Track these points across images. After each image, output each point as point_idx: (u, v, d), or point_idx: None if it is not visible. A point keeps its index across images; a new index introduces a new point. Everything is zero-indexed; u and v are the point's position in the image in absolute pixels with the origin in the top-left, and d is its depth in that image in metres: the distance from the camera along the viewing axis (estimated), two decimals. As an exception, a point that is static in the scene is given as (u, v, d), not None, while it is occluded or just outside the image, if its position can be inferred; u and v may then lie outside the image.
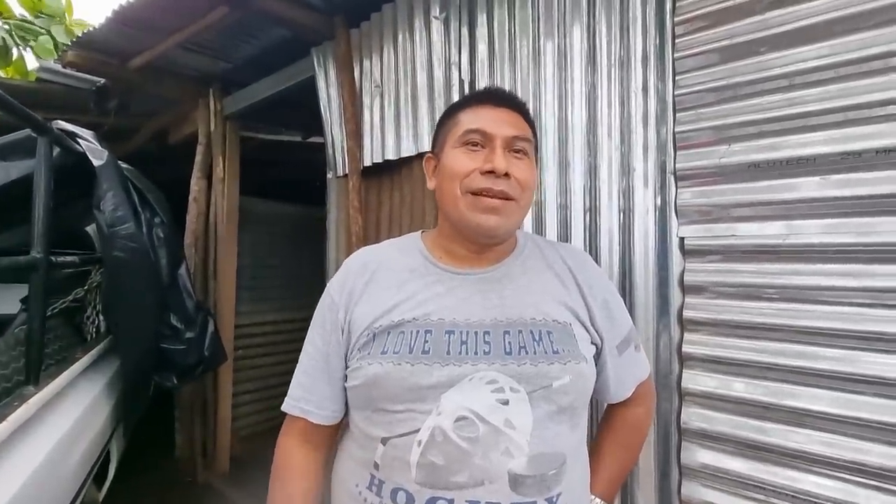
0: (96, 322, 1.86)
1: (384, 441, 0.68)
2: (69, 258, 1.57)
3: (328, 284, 0.82)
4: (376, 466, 0.68)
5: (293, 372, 0.82)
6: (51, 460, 1.17)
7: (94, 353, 1.68)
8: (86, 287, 1.81)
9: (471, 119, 0.75)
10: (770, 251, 1.02)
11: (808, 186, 0.98)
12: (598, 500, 0.84)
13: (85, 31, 2.16)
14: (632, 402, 0.86)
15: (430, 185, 0.81)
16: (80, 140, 1.66)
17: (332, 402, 0.78)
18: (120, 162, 1.83)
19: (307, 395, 0.78)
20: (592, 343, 0.77)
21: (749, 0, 1.03)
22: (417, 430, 0.66)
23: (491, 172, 0.71)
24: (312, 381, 0.78)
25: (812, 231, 0.97)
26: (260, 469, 2.89)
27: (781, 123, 1.00)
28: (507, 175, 0.71)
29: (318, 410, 0.77)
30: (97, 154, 1.66)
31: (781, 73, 1.00)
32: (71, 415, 1.38)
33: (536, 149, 0.82)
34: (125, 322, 1.73)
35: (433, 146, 0.84)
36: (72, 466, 1.32)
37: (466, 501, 0.63)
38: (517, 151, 0.74)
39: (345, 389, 0.77)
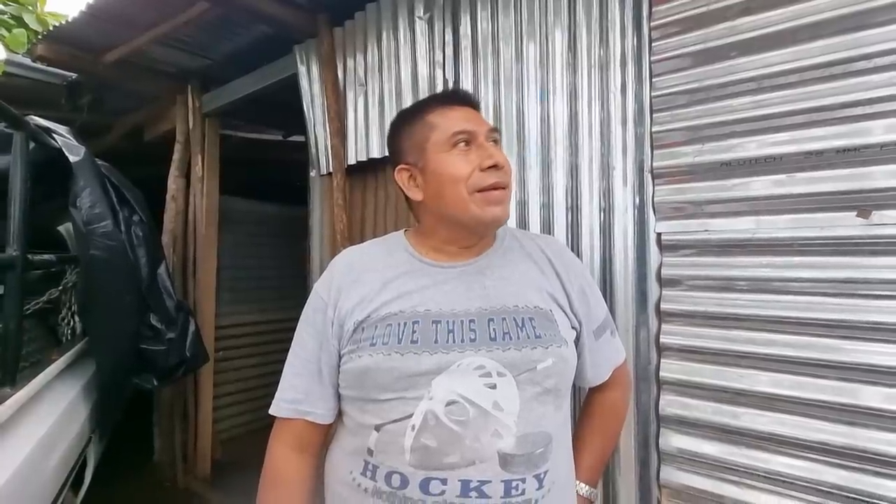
0: (72, 323, 1.81)
1: (378, 428, 0.70)
2: (46, 257, 1.53)
3: (315, 285, 0.83)
4: (370, 452, 0.70)
5: (276, 373, 0.82)
6: (28, 465, 1.14)
7: (69, 355, 1.64)
8: (60, 287, 1.76)
9: (449, 122, 0.76)
10: (741, 245, 1.07)
11: (775, 184, 1.03)
12: (582, 485, 0.87)
13: (59, 22, 2.09)
14: (608, 387, 0.90)
15: (416, 196, 0.79)
16: (55, 136, 1.61)
17: (328, 401, 0.78)
18: (97, 159, 1.79)
19: (302, 397, 0.78)
20: (572, 327, 0.81)
21: (721, 7, 1.09)
22: (410, 416, 0.68)
23: (493, 167, 0.74)
24: (306, 382, 0.78)
25: (779, 226, 1.03)
26: (242, 472, 2.85)
27: (750, 124, 1.06)
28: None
29: (316, 410, 0.77)
30: (73, 150, 1.62)
31: (750, 77, 1.05)
32: (47, 418, 1.35)
33: None
34: (102, 323, 1.69)
35: (402, 156, 0.81)
36: (49, 472, 1.29)
37: (459, 480, 0.66)
38: (494, 141, 0.79)
39: (338, 386, 0.78)
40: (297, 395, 0.78)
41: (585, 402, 0.95)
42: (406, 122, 0.82)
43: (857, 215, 0.96)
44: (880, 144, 0.93)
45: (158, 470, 2.78)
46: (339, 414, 0.80)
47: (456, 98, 0.81)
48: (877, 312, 0.94)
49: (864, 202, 0.95)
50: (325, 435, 0.82)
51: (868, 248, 0.95)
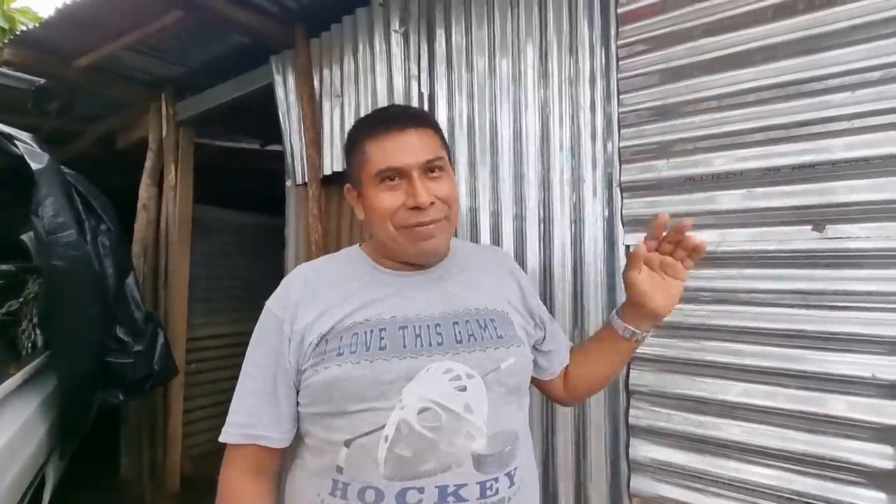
0: (32, 336, 1.74)
1: (347, 443, 0.68)
2: (4, 267, 1.47)
3: (267, 304, 0.80)
4: (339, 470, 0.68)
5: None
6: (-22, 485, 1.09)
7: (28, 369, 1.57)
8: (21, 298, 1.69)
9: (379, 155, 0.74)
10: (706, 257, 1.10)
11: (737, 198, 1.07)
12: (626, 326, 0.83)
13: (29, 23, 2.03)
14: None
15: (360, 215, 0.81)
16: (16, 142, 1.56)
17: (283, 423, 0.75)
18: (62, 167, 1.74)
19: (255, 420, 0.74)
20: (528, 325, 0.85)
21: (683, 28, 1.13)
22: (382, 427, 0.67)
23: (417, 208, 0.72)
24: (259, 404, 0.74)
25: (740, 239, 1.07)
26: (213, 489, 2.75)
27: (712, 141, 1.09)
28: (432, 202, 0.73)
29: (270, 434, 0.73)
30: (36, 157, 1.57)
31: (711, 95, 1.09)
32: (1, 436, 1.29)
33: (448, 152, 0.82)
34: (65, 335, 1.63)
35: (349, 174, 0.82)
36: (1, 492, 1.23)
37: (436, 487, 0.66)
38: (433, 171, 0.75)
39: (295, 406, 0.75)
40: (249, 418, 0.74)
41: (567, 380, 0.95)
42: (350, 141, 0.81)
43: (813, 229, 0.99)
44: (832, 161, 0.97)
45: (124, 487, 2.67)
46: (300, 436, 0.77)
47: (392, 124, 0.75)
48: (833, 323, 0.97)
49: (819, 217, 0.99)
50: (280, 460, 0.78)
51: (823, 260, 0.98)
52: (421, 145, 0.74)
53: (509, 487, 0.70)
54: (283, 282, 0.82)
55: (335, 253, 0.90)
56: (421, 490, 0.65)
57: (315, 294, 0.77)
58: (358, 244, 0.88)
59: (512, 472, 0.71)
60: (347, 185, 0.83)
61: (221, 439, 0.75)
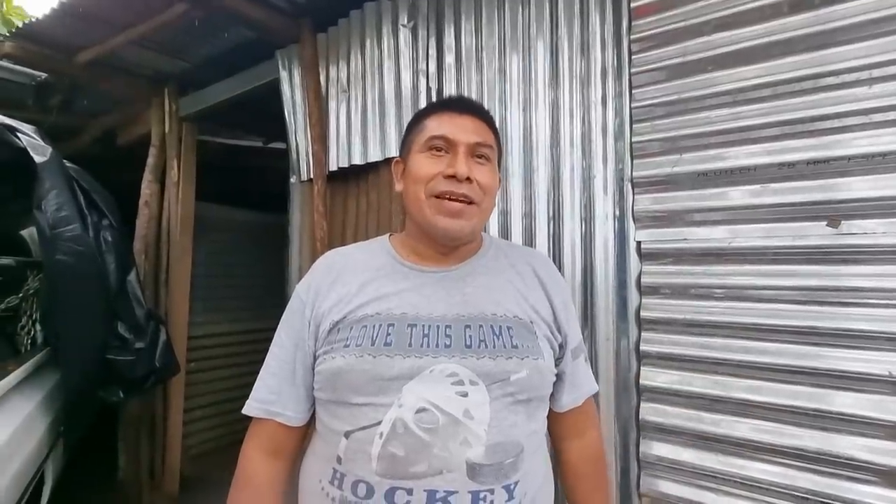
0: (32, 332, 1.72)
1: (347, 434, 0.69)
2: (4, 261, 1.45)
3: (296, 286, 0.83)
4: (339, 460, 0.69)
5: (251, 385, 0.81)
6: (-22, 482, 1.07)
7: (28, 365, 1.55)
8: (21, 294, 1.68)
9: (435, 125, 0.78)
10: (717, 254, 1.09)
11: (750, 194, 1.06)
12: None
13: (25, 21, 2.02)
14: (585, 428, 0.87)
15: (398, 187, 0.84)
16: (19, 135, 1.55)
17: (301, 402, 0.77)
18: (65, 161, 1.72)
19: (274, 397, 0.77)
20: (554, 340, 0.80)
21: (697, 22, 1.12)
22: (379, 423, 0.67)
23: (453, 177, 0.74)
24: (280, 382, 0.78)
25: (753, 235, 1.06)
26: (212, 490, 2.73)
27: (726, 136, 1.09)
28: (468, 179, 0.74)
29: (286, 412, 0.77)
30: (39, 150, 1.55)
31: (726, 90, 1.09)
32: (1, 433, 1.27)
33: (500, 156, 0.86)
34: (67, 332, 1.61)
35: (401, 150, 0.86)
36: (0, 490, 1.21)
37: (425, 491, 0.64)
38: (479, 157, 0.78)
39: (312, 388, 0.77)
40: (269, 395, 0.78)
41: (564, 463, 0.87)
42: (413, 119, 0.86)
43: (828, 225, 0.99)
44: (848, 157, 0.97)
45: (123, 487, 2.64)
46: (315, 419, 0.79)
47: (457, 105, 0.82)
48: (845, 319, 0.97)
49: (833, 212, 0.98)
50: (300, 439, 0.80)
51: (838, 256, 0.98)
52: (474, 129, 0.78)
53: (507, 501, 0.67)
54: (311, 266, 0.84)
55: (364, 241, 0.91)
56: (410, 492, 0.64)
57: (335, 281, 0.78)
58: (388, 234, 0.89)
59: (511, 486, 0.68)
60: (396, 159, 0.86)
61: (244, 411, 0.79)
